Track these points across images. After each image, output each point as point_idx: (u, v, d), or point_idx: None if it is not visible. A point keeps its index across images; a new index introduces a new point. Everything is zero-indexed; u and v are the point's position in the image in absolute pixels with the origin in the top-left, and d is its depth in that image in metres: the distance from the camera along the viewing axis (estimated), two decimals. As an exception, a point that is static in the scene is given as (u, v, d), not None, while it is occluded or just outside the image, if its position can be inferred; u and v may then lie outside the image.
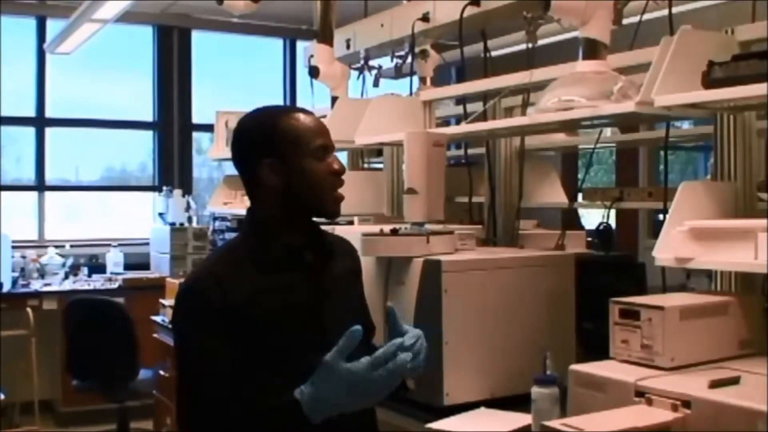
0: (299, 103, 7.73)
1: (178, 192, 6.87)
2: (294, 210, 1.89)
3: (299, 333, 1.83)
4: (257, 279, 1.83)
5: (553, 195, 3.90)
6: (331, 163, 1.89)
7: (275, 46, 8.01)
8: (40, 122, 7.02)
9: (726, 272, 2.25)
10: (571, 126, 3.17)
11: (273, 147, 1.86)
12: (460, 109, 3.71)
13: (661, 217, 2.54)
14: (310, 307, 1.87)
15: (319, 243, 1.96)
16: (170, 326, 4.15)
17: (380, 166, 3.99)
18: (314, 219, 1.97)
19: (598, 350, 2.09)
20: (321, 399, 1.65)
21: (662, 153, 3.41)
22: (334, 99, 3.93)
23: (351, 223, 3.31)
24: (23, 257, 6.47)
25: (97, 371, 4.64)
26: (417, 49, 3.69)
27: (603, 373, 1.92)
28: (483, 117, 3.18)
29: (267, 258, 1.86)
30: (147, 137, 7.54)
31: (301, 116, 1.90)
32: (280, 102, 7.89)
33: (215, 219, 6.79)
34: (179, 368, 1.87)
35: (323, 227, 2.02)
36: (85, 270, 6.65)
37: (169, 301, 4.28)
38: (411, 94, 3.68)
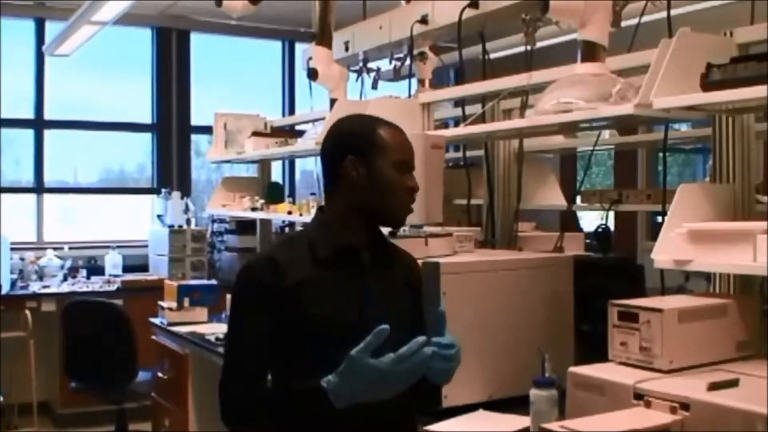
0: (298, 105, 7.75)
1: (176, 194, 6.87)
2: (363, 209, 1.97)
3: (340, 327, 1.89)
4: (310, 269, 1.93)
5: (552, 197, 3.90)
6: (407, 179, 1.99)
7: (274, 48, 8.01)
8: (38, 124, 7.01)
9: (724, 274, 2.25)
10: (569, 128, 3.17)
11: (362, 147, 1.97)
12: (458, 111, 3.71)
13: (659, 219, 2.54)
14: (355, 306, 1.94)
15: (379, 248, 2.03)
16: (169, 328, 4.16)
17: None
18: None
19: (597, 352, 2.09)
20: (345, 390, 1.75)
21: (661, 155, 3.41)
22: (332, 101, 3.93)
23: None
24: (22, 259, 6.47)
25: (95, 373, 4.63)
26: (415, 51, 3.69)
27: (601, 376, 1.93)
28: (482, 119, 3.18)
29: (324, 251, 1.95)
30: (146, 139, 7.53)
31: (393, 130, 2.03)
32: (278, 103, 7.90)
33: (214, 221, 6.80)
34: (226, 339, 2.03)
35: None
36: (83, 272, 6.65)
37: (167, 303, 4.28)
38: (409, 96, 3.68)
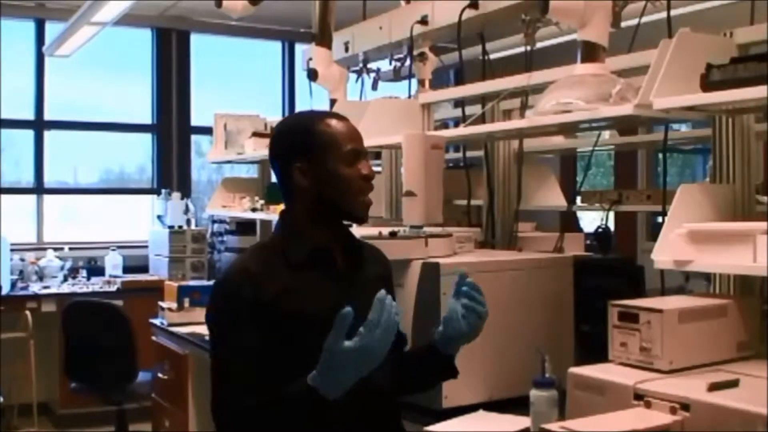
0: (298, 106, 7.74)
1: (176, 195, 6.88)
2: (324, 212, 1.96)
3: (325, 332, 1.85)
4: (287, 277, 1.90)
5: (552, 198, 3.90)
6: (360, 168, 1.95)
7: (274, 48, 8.01)
8: (38, 125, 7.02)
9: (724, 275, 2.25)
10: (569, 128, 3.17)
11: (305, 150, 1.93)
12: (458, 112, 3.71)
13: (659, 219, 2.54)
14: (337, 308, 1.89)
15: (349, 246, 2.02)
16: (169, 328, 4.16)
17: (379, 168, 3.99)
18: (344, 222, 2.05)
19: (597, 353, 2.09)
20: (332, 381, 1.72)
21: (660, 155, 3.41)
22: (332, 102, 3.93)
23: (349, 225, 3.31)
24: (22, 260, 6.47)
25: (95, 373, 4.63)
26: (415, 52, 3.68)
27: (601, 376, 1.92)
28: (481, 119, 3.18)
29: (297, 257, 1.93)
30: (146, 140, 7.53)
31: (334, 121, 1.97)
32: (278, 104, 7.90)
33: (214, 222, 6.80)
34: (212, 358, 1.94)
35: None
36: (83, 272, 6.65)
37: (167, 304, 4.28)
38: (409, 96, 3.68)
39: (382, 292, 1.75)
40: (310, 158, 1.92)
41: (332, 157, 1.92)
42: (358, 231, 2.45)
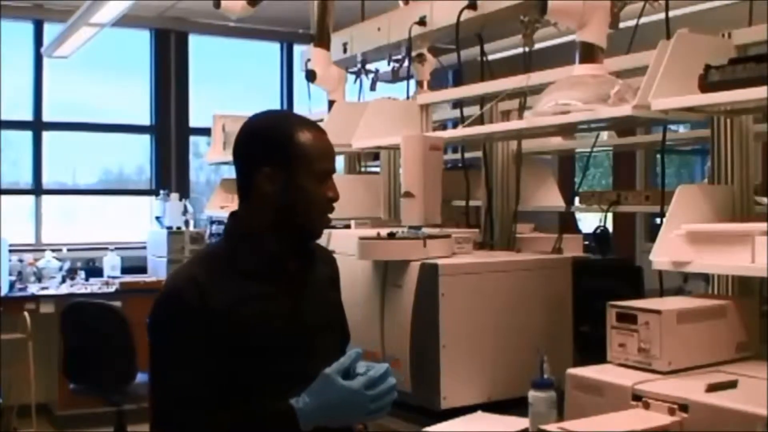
0: (297, 107, 7.74)
1: (175, 195, 6.87)
2: (281, 221, 1.88)
3: (279, 339, 1.84)
4: (238, 286, 1.82)
5: (550, 198, 3.90)
6: (328, 189, 1.89)
7: (272, 49, 8.01)
8: (37, 126, 7.02)
9: (723, 275, 2.25)
10: (568, 129, 3.17)
11: (279, 156, 1.84)
12: (457, 113, 3.70)
13: (658, 220, 2.54)
14: (290, 315, 1.88)
15: (301, 250, 1.95)
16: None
17: (377, 169, 3.98)
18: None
19: (595, 354, 2.09)
20: (317, 409, 1.71)
21: (659, 156, 3.41)
22: (331, 103, 3.93)
23: (348, 226, 3.31)
24: (20, 261, 6.47)
25: (94, 375, 4.63)
26: (414, 53, 3.69)
27: (600, 377, 1.92)
28: (480, 120, 3.18)
29: (248, 265, 1.86)
30: (144, 141, 7.54)
31: (315, 135, 1.88)
32: (277, 105, 7.89)
33: (212, 222, 6.79)
34: (152, 370, 1.84)
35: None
36: (82, 274, 6.65)
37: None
38: (408, 97, 3.67)
39: (387, 365, 1.76)
40: (281, 166, 1.84)
41: (304, 171, 1.84)
42: (356, 232, 2.45)
